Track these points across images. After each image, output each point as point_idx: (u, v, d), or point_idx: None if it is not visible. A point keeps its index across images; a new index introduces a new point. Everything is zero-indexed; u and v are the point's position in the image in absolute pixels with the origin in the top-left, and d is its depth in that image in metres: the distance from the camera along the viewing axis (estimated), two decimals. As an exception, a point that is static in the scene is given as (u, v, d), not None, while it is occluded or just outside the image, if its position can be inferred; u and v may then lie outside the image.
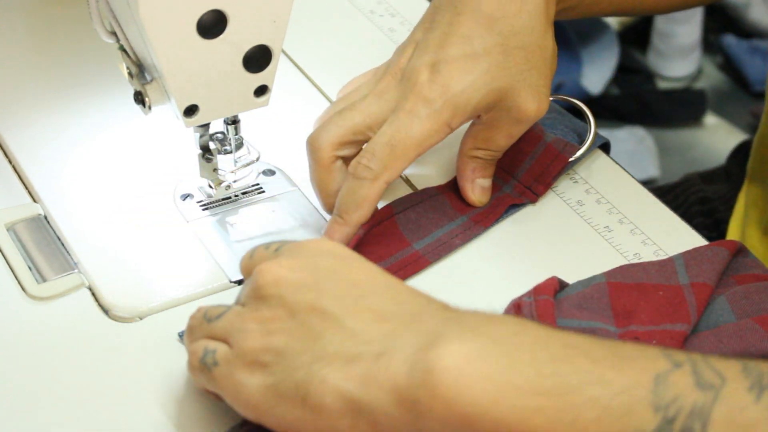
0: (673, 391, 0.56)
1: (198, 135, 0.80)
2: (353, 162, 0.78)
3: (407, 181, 0.86)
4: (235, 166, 0.82)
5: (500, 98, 0.79)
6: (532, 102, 0.79)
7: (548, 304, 0.70)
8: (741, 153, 1.16)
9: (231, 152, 0.82)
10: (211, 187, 0.82)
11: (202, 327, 0.66)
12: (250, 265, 0.67)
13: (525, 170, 0.84)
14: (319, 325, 0.61)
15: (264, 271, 0.64)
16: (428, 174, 0.86)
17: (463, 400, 0.56)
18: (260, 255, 0.67)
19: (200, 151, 0.80)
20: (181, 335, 0.73)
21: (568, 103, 0.90)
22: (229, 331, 0.64)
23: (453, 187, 0.84)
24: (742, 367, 0.57)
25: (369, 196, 0.77)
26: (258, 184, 0.84)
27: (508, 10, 0.79)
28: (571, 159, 0.84)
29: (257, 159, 0.83)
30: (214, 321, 0.66)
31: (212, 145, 0.80)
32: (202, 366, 0.65)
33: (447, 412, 0.56)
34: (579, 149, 0.85)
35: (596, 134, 0.86)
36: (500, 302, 0.70)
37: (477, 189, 0.83)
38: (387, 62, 0.83)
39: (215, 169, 0.81)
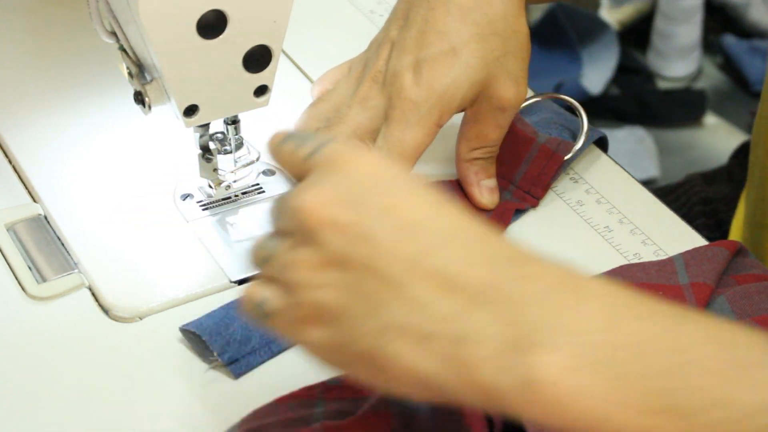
0: None
1: (198, 135, 0.80)
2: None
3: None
4: (235, 166, 0.82)
5: (482, 89, 0.80)
6: (511, 87, 0.80)
7: None
8: (742, 153, 1.16)
9: (231, 152, 0.81)
10: (211, 187, 0.82)
11: (257, 267, 0.60)
12: (298, 165, 0.60)
13: (522, 174, 0.84)
14: (379, 291, 0.55)
15: (305, 205, 0.56)
16: (426, 173, 0.86)
17: (566, 415, 0.51)
18: (301, 157, 0.59)
19: (200, 151, 0.80)
20: (181, 329, 0.73)
21: (562, 101, 0.90)
22: (279, 274, 0.58)
23: (456, 191, 0.83)
24: None
25: None
26: (258, 184, 0.84)
27: None
28: (566, 157, 0.84)
29: (257, 159, 0.82)
30: (266, 263, 0.59)
31: (212, 145, 0.80)
32: (256, 317, 0.59)
33: (546, 420, 0.51)
34: (573, 146, 0.85)
35: (590, 129, 0.86)
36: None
37: (485, 191, 0.83)
38: (362, 57, 0.84)
39: (215, 169, 0.81)
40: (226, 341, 0.71)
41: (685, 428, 0.50)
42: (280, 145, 0.61)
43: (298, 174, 0.60)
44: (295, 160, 0.59)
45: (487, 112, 0.81)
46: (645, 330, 0.52)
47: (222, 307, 0.74)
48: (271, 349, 0.72)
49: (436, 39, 0.79)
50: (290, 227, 0.58)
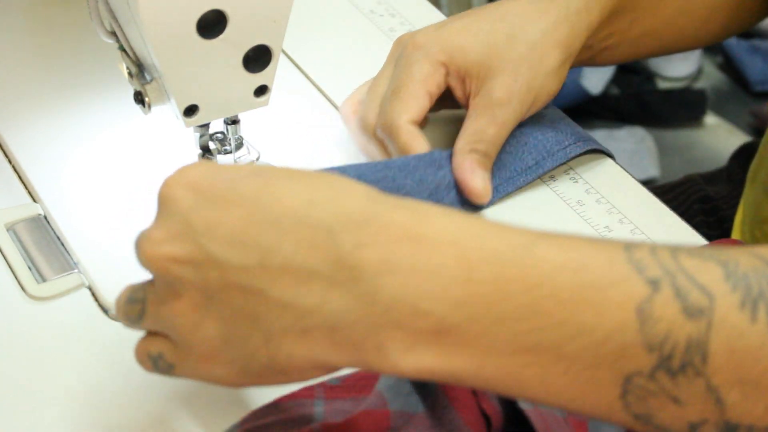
0: (663, 325, 0.52)
1: (198, 135, 0.80)
2: (371, 126, 0.83)
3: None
4: (235, 166, 0.82)
5: (487, 71, 0.82)
6: (512, 85, 0.81)
7: None
8: (743, 155, 1.16)
9: (231, 152, 0.82)
10: (211, 187, 0.82)
11: (134, 326, 0.61)
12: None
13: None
14: (246, 305, 0.55)
15: (148, 256, 0.57)
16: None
17: (446, 370, 0.53)
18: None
19: (200, 151, 0.80)
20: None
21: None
22: (160, 328, 0.59)
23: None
24: (724, 272, 0.53)
25: (399, 143, 0.80)
26: (258, 184, 0.84)
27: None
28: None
29: (257, 159, 0.83)
30: (138, 321, 0.60)
31: (212, 145, 0.80)
32: (160, 372, 0.61)
33: (434, 378, 0.54)
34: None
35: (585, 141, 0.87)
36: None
37: (477, 177, 0.80)
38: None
39: (215, 169, 0.81)
40: None
41: (554, 359, 0.52)
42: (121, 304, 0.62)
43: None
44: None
45: (485, 106, 0.81)
46: (499, 274, 0.52)
47: None
48: None
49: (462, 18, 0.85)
50: (155, 278, 0.58)
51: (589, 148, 0.87)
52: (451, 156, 0.81)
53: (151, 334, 0.60)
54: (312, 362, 0.55)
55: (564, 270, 0.52)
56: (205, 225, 0.56)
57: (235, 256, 0.55)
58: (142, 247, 0.57)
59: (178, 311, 0.57)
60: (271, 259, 0.54)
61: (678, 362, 0.52)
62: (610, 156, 0.89)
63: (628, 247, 0.53)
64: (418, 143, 0.80)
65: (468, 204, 0.81)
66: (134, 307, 0.60)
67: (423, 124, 0.84)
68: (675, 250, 0.54)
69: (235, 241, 0.55)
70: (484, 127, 0.81)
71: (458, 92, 0.84)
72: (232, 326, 0.56)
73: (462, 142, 0.81)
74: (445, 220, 0.54)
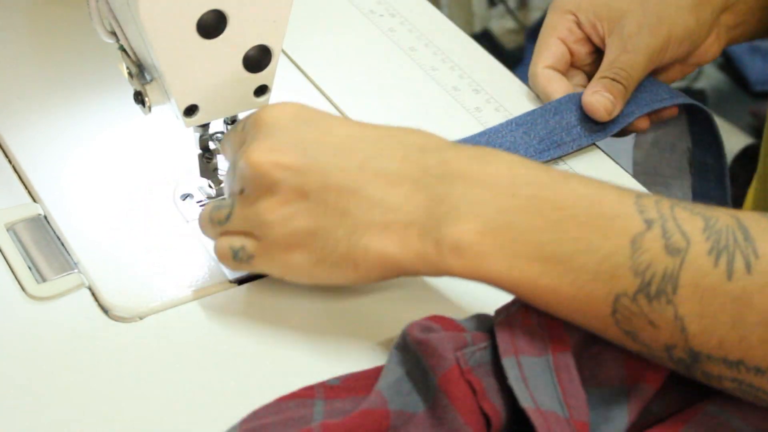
0: (648, 256, 0.63)
1: (198, 135, 0.80)
2: None
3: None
4: (235, 166, 0.82)
5: (617, 12, 0.89)
6: (641, 18, 0.88)
7: None
8: (746, 156, 1.16)
9: (231, 152, 0.82)
10: (211, 187, 0.82)
11: (215, 230, 0.72)
12: (232, 153, 0.73)
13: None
14: (339, 202, 0.67)
15: (254, 162, 0.68)
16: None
17: (485, 268, 0.66)
18: (234, 140, 0.72)
19: (200, 151, 0.80)
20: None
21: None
22: (248, 227, 0.69)
23: None
24: (704, 225, 0.64)
25: (538, 88, 0.91)
26: (258, 184, 0.84)
27: None
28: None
29: (257, 159, 0.82)
30: (225, 223, 0.71)
31: (212, 145, 0.80)
32: (237, 263, 0.71)
33: (474, 276, 0.66)
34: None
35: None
36: (498, 303, 0.70)
37: (598, 95, 0.87)
38: None
39: (215, 169, 0.81)
40: None
41: (563, 271, 0.64)
42: (225, 139, 0.75)
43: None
44: (242, 138, 0.72)
45: (618, 41, 0.88)
46: (536, 194, 0.66)
47: None
48: None
49: None
50: (244, 186, 0.69)
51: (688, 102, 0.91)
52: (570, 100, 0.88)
53: (230, 234, 0.71)
54: (382, 257, 0.67)
55: (585, 199, 0.65)
56: (313, 139, 0.69)
57: (339, 162, 0.68)
58: (250, 155, 0.68)
59: (270, 208, 0.68)
60: (369, 165, 0.68)
61: (655, 289, 0.63)
62: (705, 112, 0.93)
63: (639, 194, 0.66)
64: (555, 85, 0.89)
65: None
66: (222, 211, 0.71)
67: (566, 67, 0.92)
68: (675, 203, 0.65)
69: (339, 150, 0.68)
70: (615, 56, 0.88)
71: (596, 38, 0.91)
72: (322, 220, 0.67)
73: (602, 68, 0.88)
74: (506, 155, 0.68)
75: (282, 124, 0.69)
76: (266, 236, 0.69)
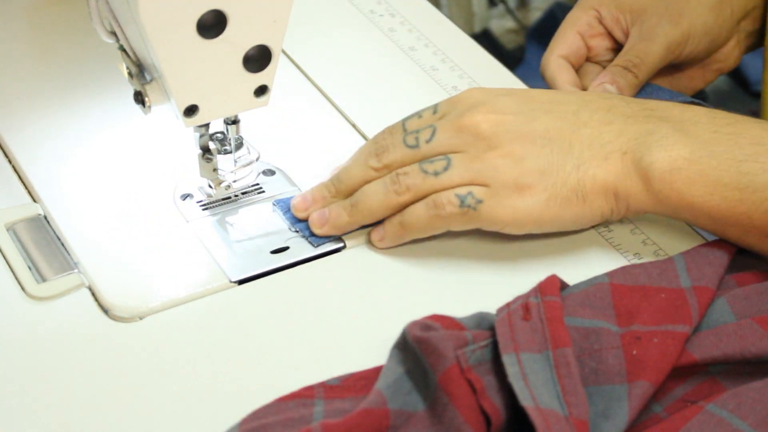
0: None
1: (198, 135, 0.80)
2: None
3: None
4: (235, 166, 0.82)
5: (639, 6, 0.91)
6: (663, 11, 0.90)
7: (556, 306, 0.69)
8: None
9: (231, 152, 0.82)
10: (211, 187, 0.82)
11: (425, 184, 0.76)
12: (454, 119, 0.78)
13: None
14: (563, 140, 0.76)
15: (480, 120, 0.76)
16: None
17: (689, 193, 0.74)
18: (440, 114, 0.79)
19: (200, 151, 0.80)
20: (276, 204, 0.81)
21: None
22: (475, 175, 0.75)
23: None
24: None
25: (547, 75, 0.93)
26: (258, 184, 0.84)
27: None
28: None
29: (257, 159, 0.83)
30: (442, 174, 0.76)
31: (212, 145, 0.80)
32: (464, 210, 0.75)
33: (679, 201, 0.74)
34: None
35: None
36: (499, 302, 0.70)
37: (600, 89, 0.88)
38: None
39: (215, 169, 0.81)
40: None
41: (757, 200, 0.73)
42: (423, 115, 0.80)
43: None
44: (437, 117, 0.79)
45: (638, 32, 0.90)
46: (734, 131, 0.74)
47: None
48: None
49: None
50: (469, 142, 0.76)
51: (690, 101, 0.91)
52: None
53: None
54: (605, 185, 0.75)
55: None
56: (522, 100, 0.78)
57: (554, 113, 0.77)
58: (473, 116, 0.76)
59: (498, 156, 0.75)
60: (582, 113, 0.77)
61: None
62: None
63: None
64: (564, 75, 0.91)
65: None
66: (439, 163, 0.76)
67: (579, 61, 0.93)
68: None
69: (551, 105, 0.78)
70: (631, 45, 0.89)
71: (617, 33, 0.92)
72: (550, 158, 0.75)
73: (617, 60, 0.90)
74: (701, 107, 0.78)
75: (485, 97, 0.78)
76: (496, 180, 0.75)
